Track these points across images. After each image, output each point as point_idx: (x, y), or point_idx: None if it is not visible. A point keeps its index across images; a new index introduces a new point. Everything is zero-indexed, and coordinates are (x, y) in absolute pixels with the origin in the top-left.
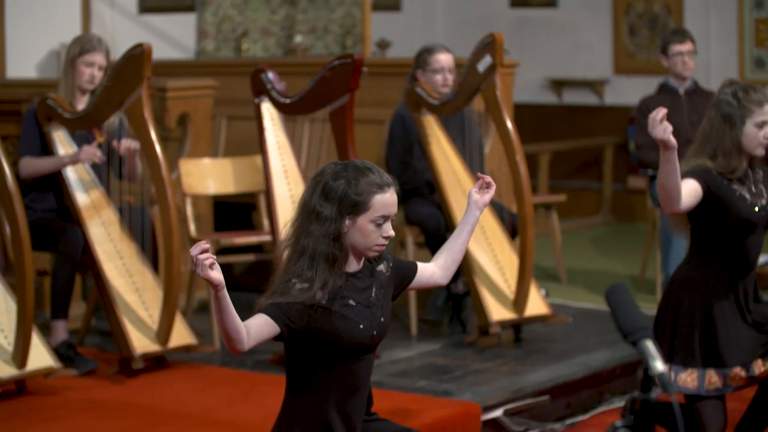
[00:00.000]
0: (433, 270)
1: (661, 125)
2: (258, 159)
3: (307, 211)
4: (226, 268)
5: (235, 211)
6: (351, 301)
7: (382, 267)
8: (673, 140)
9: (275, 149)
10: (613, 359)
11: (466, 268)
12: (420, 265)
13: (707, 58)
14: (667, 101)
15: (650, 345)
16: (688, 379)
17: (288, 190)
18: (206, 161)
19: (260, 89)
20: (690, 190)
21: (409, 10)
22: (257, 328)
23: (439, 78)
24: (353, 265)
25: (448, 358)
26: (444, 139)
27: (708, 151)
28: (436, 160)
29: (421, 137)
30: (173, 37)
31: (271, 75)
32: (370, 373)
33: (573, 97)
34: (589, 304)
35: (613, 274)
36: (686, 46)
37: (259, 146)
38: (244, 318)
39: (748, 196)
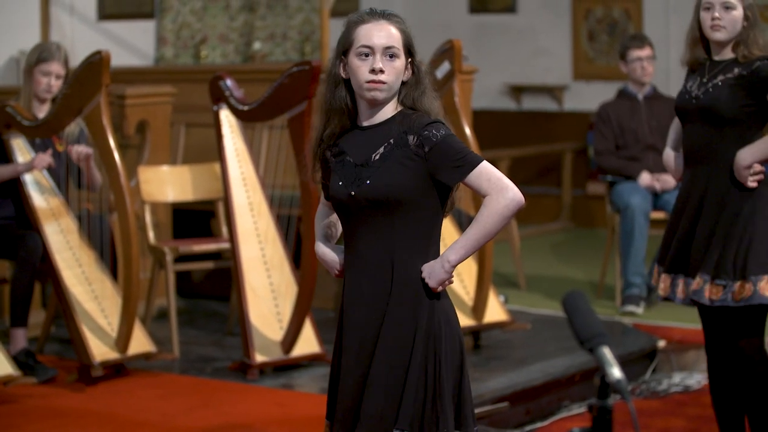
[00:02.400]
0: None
1: None
2: (216, 166)
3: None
4: (185, 276)
5: (194, 219)
6: (348, 157)
7: (411, 138)
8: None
9: (234, 156)
10: (572, 365)
11: None
12: (473, 179)
13: (667, 64)
14: (626, 107)
15: (607, 352)
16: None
17: (247, 198)
18: (165, 168)
19: (218, 96)
20: None
21: None
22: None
23: None
24: (365, 118)
25: None
26: None
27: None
28: None
29: None
30: (132, 44)
31: (229, 82)
32: (380, 243)
33: (532, 103)
34: (548, 311)
35: (572, 280)
36: (645, 52)
37: (218, 153)
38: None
39: (689, 84)
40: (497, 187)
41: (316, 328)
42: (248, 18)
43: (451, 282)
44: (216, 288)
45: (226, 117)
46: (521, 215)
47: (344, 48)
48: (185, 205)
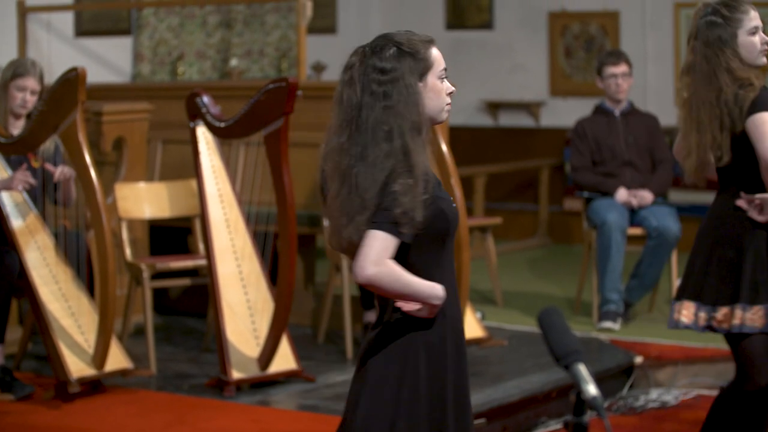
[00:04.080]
0: None
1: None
2: (193, 183)
3: (359, 106)
4: (161, 293)
5: (171, 235)
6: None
7: None
8: None
9: (210, 173)
10: (548, 382)
11: None
12: None
13: (644, 80)
14: (603, 123)
15: (582, 369)
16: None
17: (223, 214)
18: (142, 185)
19: (195, 113)
20: None
21: (344, 33)
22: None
23: None
24: None
25: None
26: None
27: (716, 84)
28: None
29: None
30: (109, 61)
31: (205, 98)
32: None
33: (509, 119)
34: (525, 327)
35: (549, 296)
36: (620, 68)
37: (195, 170)
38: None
39: None
40: None
41: (293, 344)
42: (225, 34)
43: None
44: (193, 305)
45: (202, 133)
46: (498, 231)
47: (424, 69)
48: (162, 222)
